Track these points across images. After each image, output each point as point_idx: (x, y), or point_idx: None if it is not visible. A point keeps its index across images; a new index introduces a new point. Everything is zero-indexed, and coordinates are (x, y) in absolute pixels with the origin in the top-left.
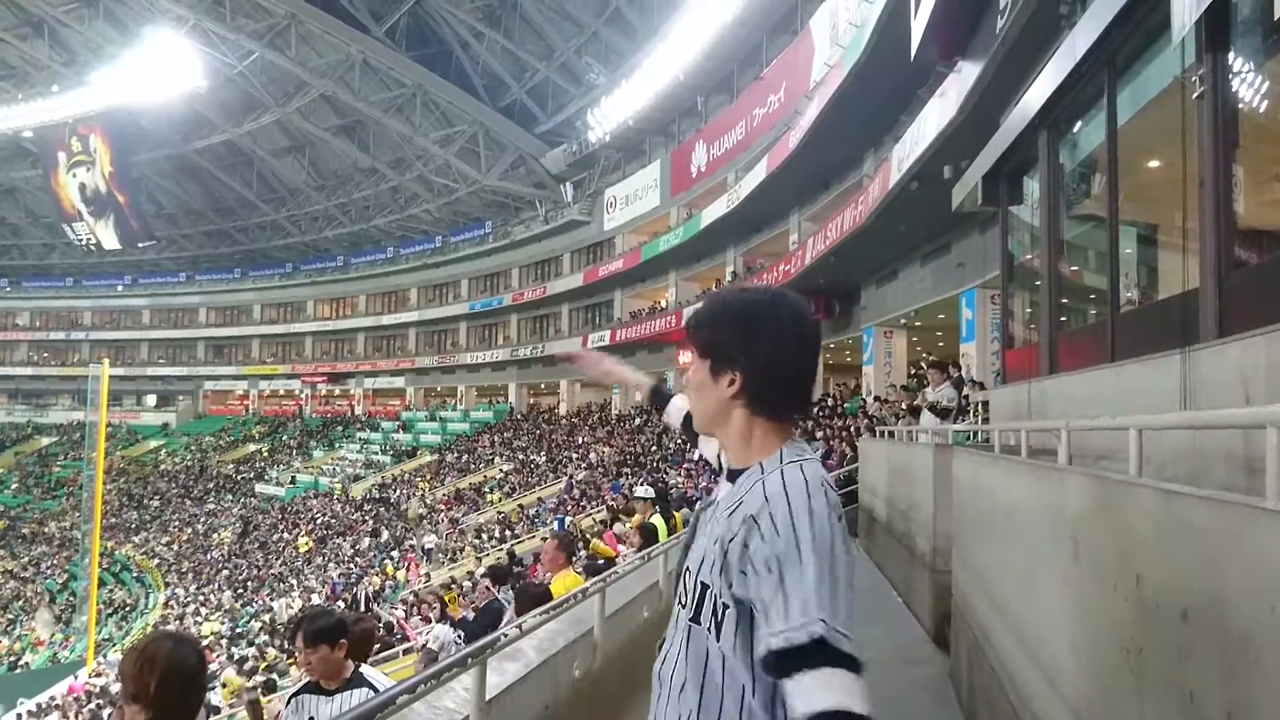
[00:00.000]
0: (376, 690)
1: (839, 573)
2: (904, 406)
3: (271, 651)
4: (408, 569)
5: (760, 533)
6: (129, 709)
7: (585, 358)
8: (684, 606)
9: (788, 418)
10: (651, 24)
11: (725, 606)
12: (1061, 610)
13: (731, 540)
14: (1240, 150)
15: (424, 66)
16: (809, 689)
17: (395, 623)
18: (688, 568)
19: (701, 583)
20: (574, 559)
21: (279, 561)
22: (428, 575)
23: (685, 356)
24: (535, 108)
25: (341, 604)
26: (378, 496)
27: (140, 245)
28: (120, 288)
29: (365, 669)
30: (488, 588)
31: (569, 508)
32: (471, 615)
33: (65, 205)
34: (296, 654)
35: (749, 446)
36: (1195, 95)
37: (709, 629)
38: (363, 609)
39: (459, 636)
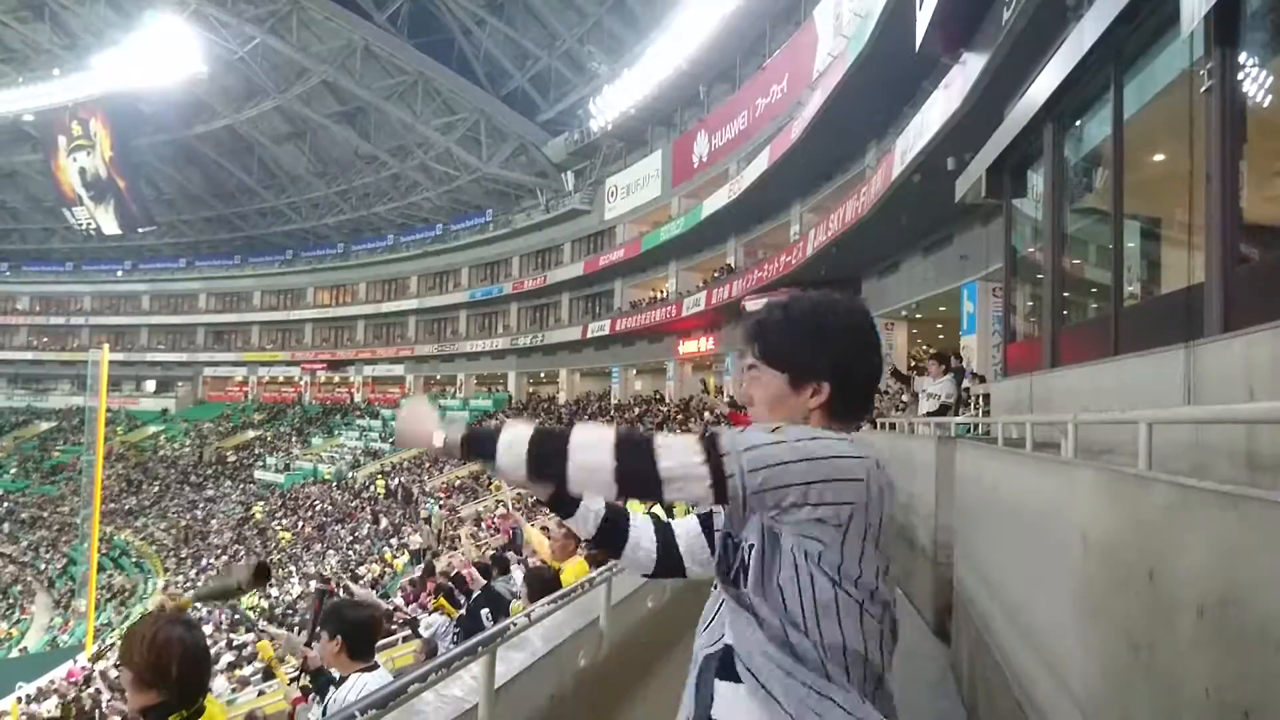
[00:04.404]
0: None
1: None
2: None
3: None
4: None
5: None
6: (140, 695)
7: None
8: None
9: (859, 421)
10: (655, 13)
11: (750, 546)
12: (1069, 605)
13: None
14: (1247, 145)
15: (426, 54)
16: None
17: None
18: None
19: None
20: (581, 546)
21: (276, 549)
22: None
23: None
24: (537, 96)
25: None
26: (377, 483)
27: (140, 230)
28: (120, 273)
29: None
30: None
31: None
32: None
33: (65, 189)
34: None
35: None
36: (1203, 89)
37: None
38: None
39: (456, 626)
